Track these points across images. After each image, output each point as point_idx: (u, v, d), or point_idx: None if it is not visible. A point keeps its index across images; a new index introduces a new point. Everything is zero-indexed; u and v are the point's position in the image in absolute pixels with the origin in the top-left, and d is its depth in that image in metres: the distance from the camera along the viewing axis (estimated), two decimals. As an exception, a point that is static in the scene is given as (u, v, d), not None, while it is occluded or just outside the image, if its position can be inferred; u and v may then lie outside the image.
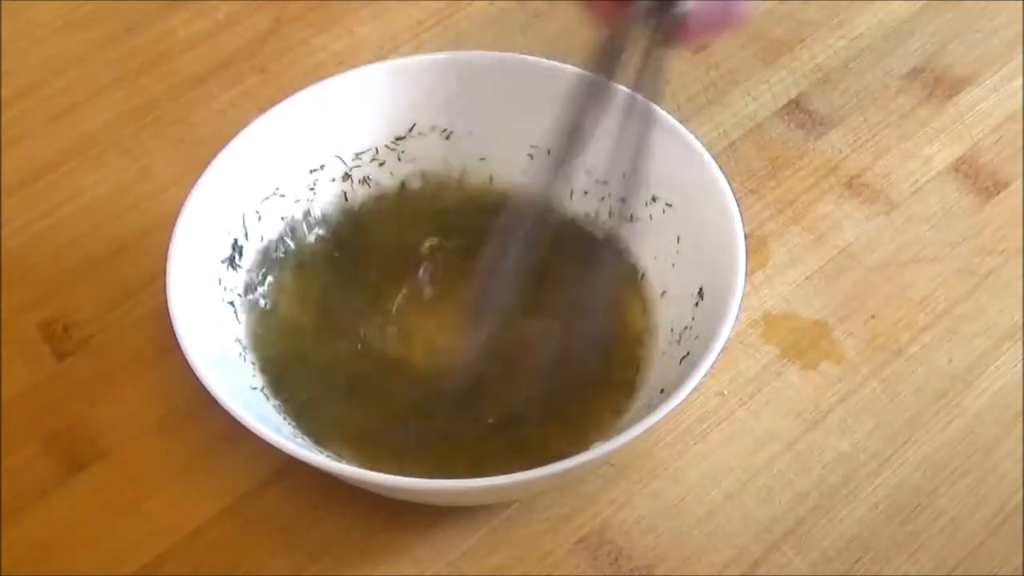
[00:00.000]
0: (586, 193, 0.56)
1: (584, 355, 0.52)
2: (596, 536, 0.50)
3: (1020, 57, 0.65)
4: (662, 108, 0.51)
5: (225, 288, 0.53)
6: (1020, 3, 0.67)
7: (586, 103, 0.47)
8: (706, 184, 0.52)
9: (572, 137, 0.48)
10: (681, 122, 0.53)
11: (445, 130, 0.57)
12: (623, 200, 0.52)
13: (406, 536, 0.50)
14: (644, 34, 0.45)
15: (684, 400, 0.45)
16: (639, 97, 0.47)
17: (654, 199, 0.54)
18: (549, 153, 0.49)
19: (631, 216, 0.54)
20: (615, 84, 0.47)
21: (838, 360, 0.55)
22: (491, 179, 0.58)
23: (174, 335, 0.47)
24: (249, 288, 0.54)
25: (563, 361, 0.51)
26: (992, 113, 0.63)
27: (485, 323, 0.50)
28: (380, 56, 0.66)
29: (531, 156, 0.56)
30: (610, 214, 0.55)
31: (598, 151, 0.49)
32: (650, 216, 0.54)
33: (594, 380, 0.52)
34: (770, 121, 0.63)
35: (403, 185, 0.58)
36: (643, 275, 0.54)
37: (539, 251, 0.49)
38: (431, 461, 0.50)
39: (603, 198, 0.56)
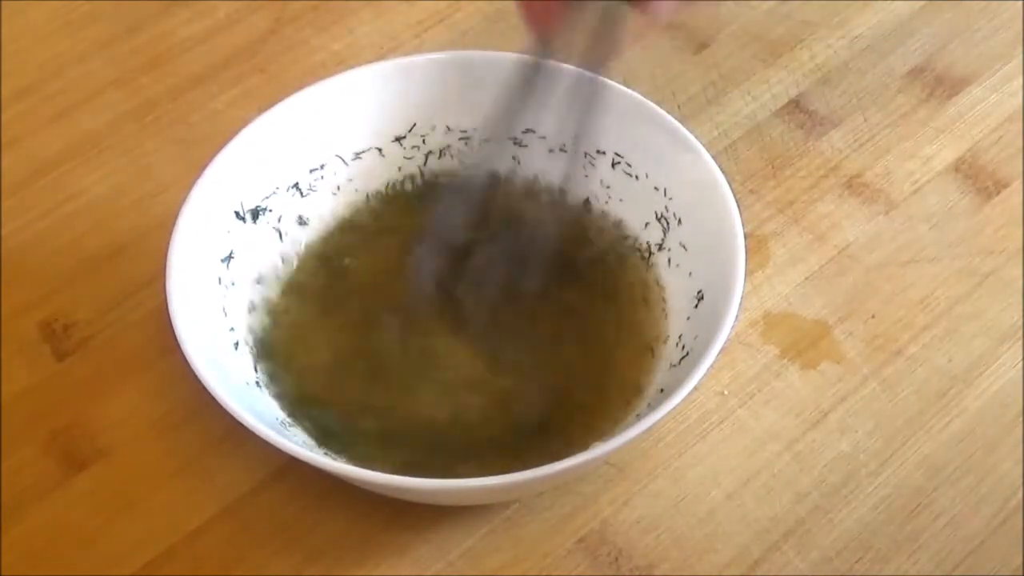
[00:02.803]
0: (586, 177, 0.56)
1: (593, 358, 0.52)
2: (596, 536, 0.50)
3: (1020, 57, 0.65)
4: (614, 75, 0.51)
5: (225, 288, 0.53)
6: (1020, 3, 0.67)
7: (525, 87, 0.48)
8: (706, 184, 0.52)
9: (508, 118, 0.49)
10: (681, 122, 0.53)
11: (445, 130, 0.57)
12: (573, 160, 0.52)
13: (406, 536, 0.50)
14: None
15: (684, 400, 0.45)
16: (587, 71, 0.48)
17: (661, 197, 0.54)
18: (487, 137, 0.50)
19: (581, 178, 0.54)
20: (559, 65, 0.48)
21: (838, 360, 0.55)
22: (491, 177, 0.58)
23: (174, 335, 0.47)
24: (249, 288, 0.54)
25: (572, 364, 0.52)
26: (992, 113, 0.63)
27: (480, 312, 0.51)
28: (380, 56, 0.66)
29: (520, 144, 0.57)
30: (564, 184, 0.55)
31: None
32: (653, 216, 0.54)
33: (603, 382, 0.52)
34: (770, 121, 0.63)
35: (403, 184, 0.58)
36: (647, 275, 0.54)
37: (537, 242, 0.50)
38: (431, 461, 0.50)
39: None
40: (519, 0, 0.46)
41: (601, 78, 0.49)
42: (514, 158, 0.56)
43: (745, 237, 0.50)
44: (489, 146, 0.51)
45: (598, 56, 0.48)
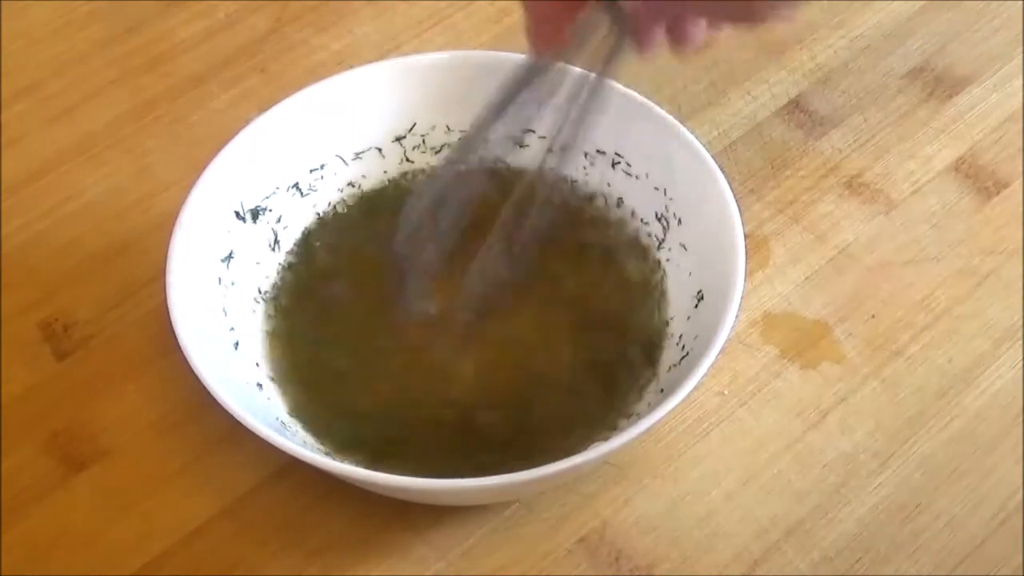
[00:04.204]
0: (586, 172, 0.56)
1: (593, 358, 0.52)
2: (596, 536, 0.50)
3: (1020, 57, 0.65)
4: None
5: (225, 288, 0.53)
6: (1020, 3, 0.67)
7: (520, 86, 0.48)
8: (706, 184, 0.52)
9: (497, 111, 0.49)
10: (681, 122, 0.53)
11: (445, 130, 0.57)
12: (563, 151, 0.52)
13: (406, 536, 0.50)
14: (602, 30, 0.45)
15: (684, 400, 0.45)
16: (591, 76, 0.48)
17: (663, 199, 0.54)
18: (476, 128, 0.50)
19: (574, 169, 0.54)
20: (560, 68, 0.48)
21: (838, 360, 0.55)
22: (490, 177, 0.58)
23: (174, 335, 0.47)
24: (249, 288, 0.54)
25: (571, 363, 0.52)
26: (992, 113, 0.63)
27: (482, 305, 0.51)
28: (380, 56, 0.66)
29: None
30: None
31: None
32: (653, 216, 0.54)
33: (603, 382, 0.52)
34: (770, 121, 0.63)
35: (403, 183, 0.58)
36: (647, 275, 0.55)
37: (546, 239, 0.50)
38: (431, 461, 0.50)
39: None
40: (529, 20, 0.46)
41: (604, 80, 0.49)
42: (506, 153, 0.56)
43: (745, 237, 0.50)
44: (471, 141, 0.51)
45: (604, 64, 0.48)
